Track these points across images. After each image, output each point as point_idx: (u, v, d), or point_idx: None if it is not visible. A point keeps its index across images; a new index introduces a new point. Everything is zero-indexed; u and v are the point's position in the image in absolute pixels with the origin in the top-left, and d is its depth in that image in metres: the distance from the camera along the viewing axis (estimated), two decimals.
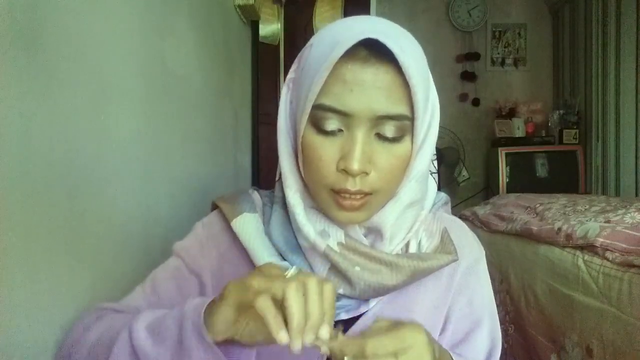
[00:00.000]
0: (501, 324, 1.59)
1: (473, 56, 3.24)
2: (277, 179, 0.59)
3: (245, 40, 1.66)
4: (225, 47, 1.38)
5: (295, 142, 0.53)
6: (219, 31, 1.31)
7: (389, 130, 0.48)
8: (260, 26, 1.74)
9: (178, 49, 0.98)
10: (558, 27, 3.21)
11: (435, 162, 0.60)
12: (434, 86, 0.55)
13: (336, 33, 0.47)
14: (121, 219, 0.71)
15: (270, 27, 1.76)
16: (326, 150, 0.48)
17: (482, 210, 1.98)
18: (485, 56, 3.28)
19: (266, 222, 0.59)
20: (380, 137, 0.48)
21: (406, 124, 0.48)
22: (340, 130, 0.48)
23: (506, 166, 2.91)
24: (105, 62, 0.66)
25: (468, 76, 3.25)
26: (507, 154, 2.92)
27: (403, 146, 0.49)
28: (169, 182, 0.91)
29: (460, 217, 2.16)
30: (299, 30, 1.80)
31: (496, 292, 1.69)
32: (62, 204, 0.56)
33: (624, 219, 1.15)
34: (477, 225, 1.94)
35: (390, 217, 0.54)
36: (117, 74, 0.70)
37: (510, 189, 2.80)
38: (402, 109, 0.47)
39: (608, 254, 1.07)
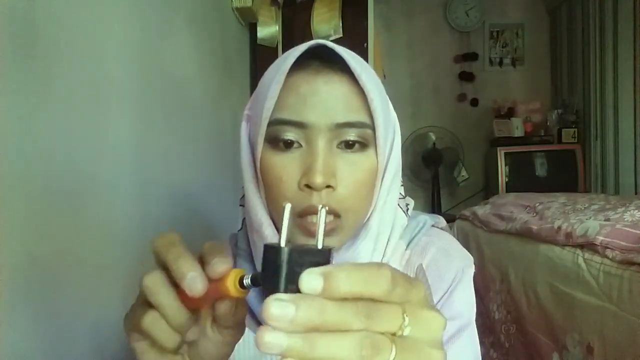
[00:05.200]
0: (502, 323, 1.59)
1: (471, 56, 3.25)
2: (241, 223, 0.57)
3: (243, 42, 1.66)
4: (223, 49, 1.38)
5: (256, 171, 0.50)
6: (217, 34, 1.32)
7: (351, 137, 0.46)
8: (258, 28, 1.74)
9: (176, 51, 0.98)
10: (555, 27, 3.21)
11: (402, 188, 0.56)
12: (392, 108, 0.54)
13: (287, 52, 0.47)
14: (120, 222, 0.71)
15: (269, 29, 1.76)
16: (286, 169, 0.46)
17: (481, 210, 1.98)
18: (483, 56, 3.28)
19: None
20: (343, 148, 0.46)
21: (368, 132, 0.47)
22: (299, 146, 0.46)
23: (505, 166, 2.91)
24: (103, 65, 0.66)
25: (466, 76, 3.25)
26: (506, 154, 2.92)
27: (368, 159, 0.47)
28: (167, 186, 0.91)
29: (460, 217, 2.18)
30: (297, 32, 1.80)
31: (497, 292, 1.70)
32: (62, 208, 0.55)
33: (624, 217, 1.15)
34: (477, 225, 1.95)
35: (364, 251, 0.50)
36: (115, 77, 0.70)
37: (510, 188, 2.80)
38: (361, 116, 0.46)
39: (608, 252, 1.07)
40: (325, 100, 0.45)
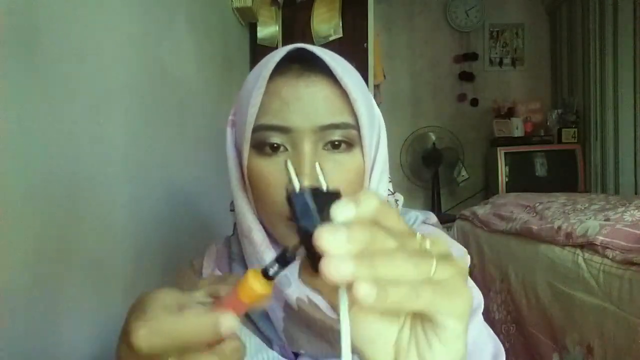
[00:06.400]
0: (502, 323, 1.59)
1: (471, 56, 3.25)
2: (233, 228, 0.57)
3: (243, 42, 1.66)
4: (223, 49, 1.38)
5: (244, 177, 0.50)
6: (217, 34, 1.32)
7: (336, 137, 0.46)
8: (259, 28, 1.74)
9: (176, 52, 0.98)
10: (555, 27, 3.22)
11: (390, 185, 0.56)
12: (376, 106, 0.54)
13: (267, 57, 0.47)
14: (120, 222, 0.71)
15: (269, 29, 1.76)
16: (273, 174, 0.46)
17: (481, 210, 1.98)
18: (483, 56, 3.29)
19: None
20: (329, 149, 0.46)
21: (353, 133, 0.46)
22: (285, 150, 0.46)
23: (505, 166, 2.91)
24: (103, 66, 0.66)
25: (466, 76, 3.25)
26: (506, 154, 2.92)
27: (355, 159, 0.47)
28: (167, 185, 0.91)
29: (460, 217, 2.18)
30: (297, 32, 1.80)
31: (497, 292, 1.70)
32: (62, 207, 0.55)
33: (624, 217, 1.15)
34: (477, 225, 1.94)
35: None
36: (115, 77, 0.70)
37: (510, 188, 2.80)
38: (344, 117, 0.46)
39: (608, 252, 1.07)
40: (308, 103, 0.45)
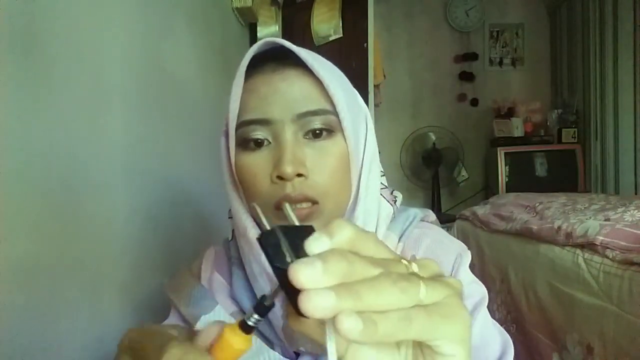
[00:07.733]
0: (502, 323, 1.59)
1: (471, 56, 3.25)
2: (231, 234, 0.58)
3: (243, 42, 1.66)
4: (223, 49, 1.38)
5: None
6: (217, 34, 1.32)
7: (315, 125, 0.47)
8: (259, 28, 1.74)
9: (176, 51, 0.98)
10: (555, 27, 3.22)
11: (384, 179, 0.57)
12: (362, 101, 0.55)
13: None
14: (121, 222, 0.71)
15: (269, 29, 1.76)
16: (258, 166, 0.47)
17: (481, 210, 1.98)
18: (483, 56, 3.29)
19: (231, 283, 0.55)
20: (310, 138, 0.47)
21: (332, 119, 0.47)
22: (269, 143, 0.47)
23: (505, 166, 2.92)
24: (103, 65, 0.66)
25: (466, 76, 3.25)
26: (506, 154, 2.92)
27: (337, 144, 0.48)
28: (167, 185, 0.91)
29: (460, 217, 2.18)
30: (297, 32, 1.80)
31: (497, 292, 1.70)
32: (62, 208, 0.55)
33: (624, 217, 1.15)
34: (477, 225, 1.95)
35: None
36: (115, 77, 0.70)
37: (510, 188, 2.80)
38: (321, 104, 0.47)
39: (608, 252, 1.07)
40: (284, 95, 0.46)
